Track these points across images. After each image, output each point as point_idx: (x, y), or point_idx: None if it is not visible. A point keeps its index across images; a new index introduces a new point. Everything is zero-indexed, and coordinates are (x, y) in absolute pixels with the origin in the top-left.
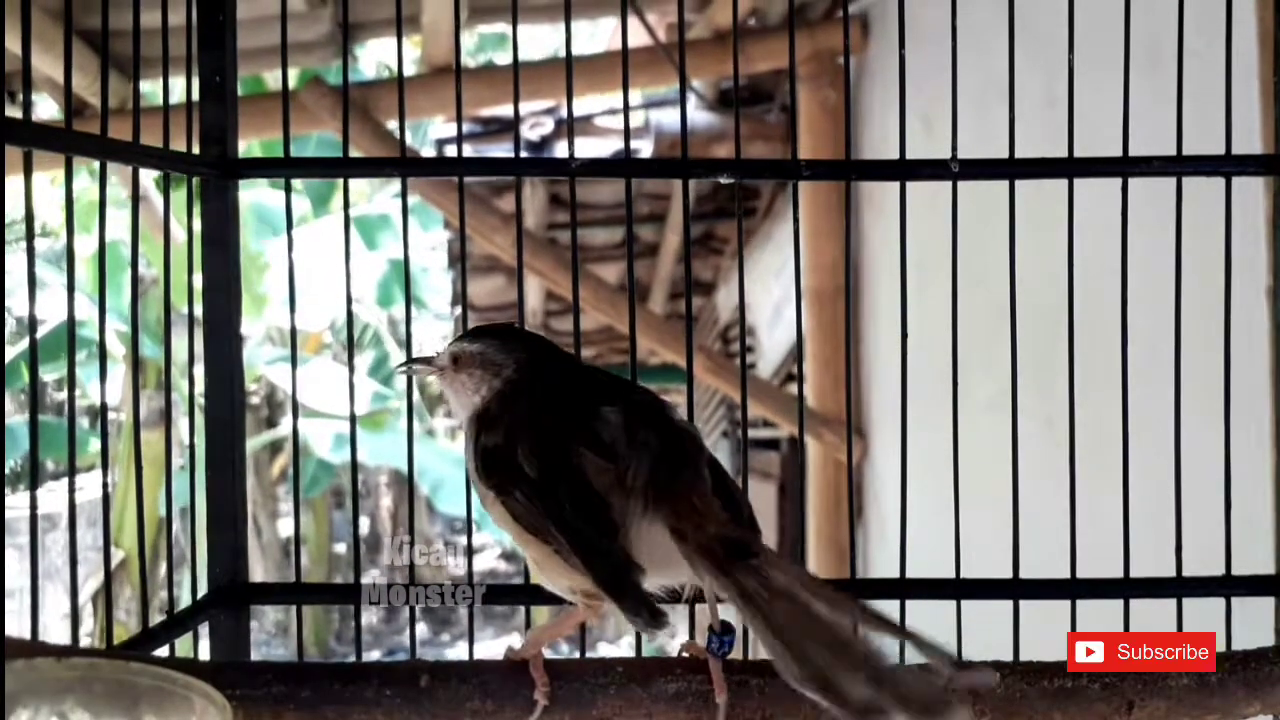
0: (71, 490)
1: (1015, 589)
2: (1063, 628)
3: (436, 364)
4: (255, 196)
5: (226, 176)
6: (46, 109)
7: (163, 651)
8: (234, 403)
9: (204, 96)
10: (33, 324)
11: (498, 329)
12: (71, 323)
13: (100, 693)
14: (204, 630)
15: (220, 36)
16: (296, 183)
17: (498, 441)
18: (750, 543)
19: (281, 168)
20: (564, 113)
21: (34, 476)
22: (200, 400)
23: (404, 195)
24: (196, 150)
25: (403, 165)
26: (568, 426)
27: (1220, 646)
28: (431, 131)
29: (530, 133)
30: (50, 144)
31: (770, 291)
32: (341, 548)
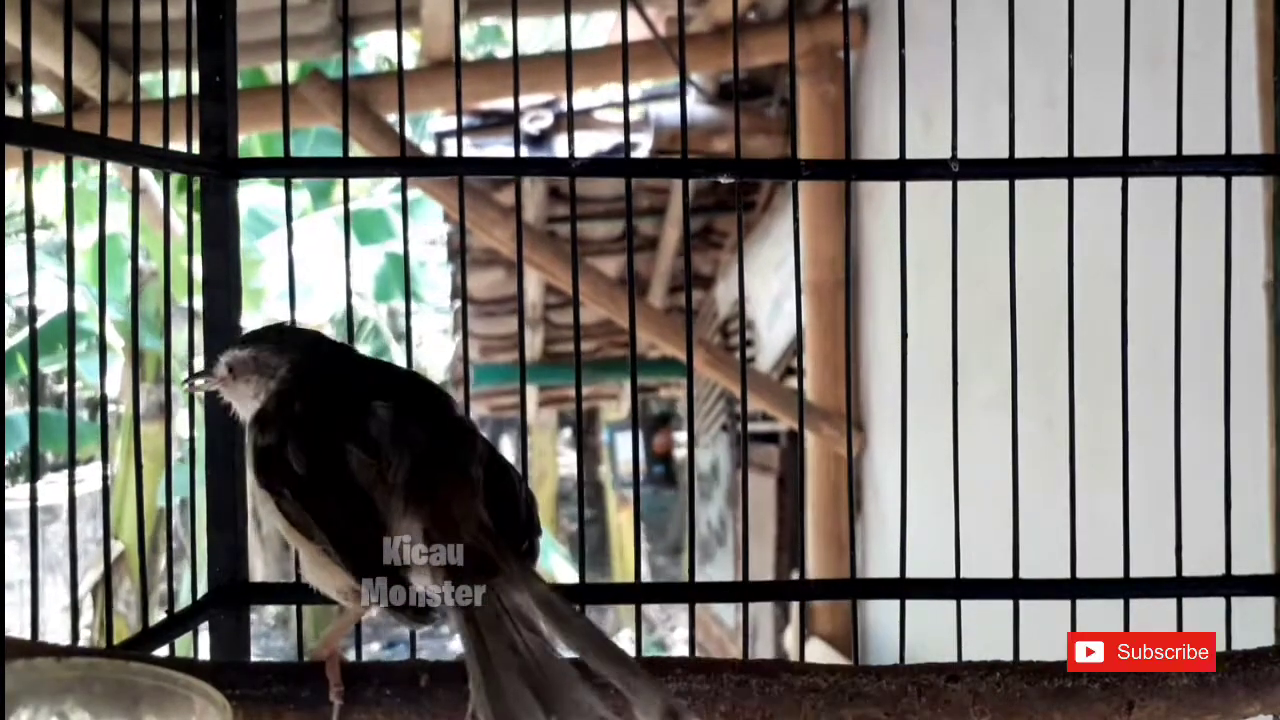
0: (71, 482)
1: (1015, 589)
2: (1063, 628)
3: (215, 375)
4: (252, 194)
5: (226, 176)
6: (46, 101)
7: (163, 651)
8: None
9: (204, 95)
10: (33, 316)
11: (270, 330)
12: (71, 315)
13: (100, 693)
14: (204, 630)
15: (220, 35)
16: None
17: (270, 441)
18: (494, 557)
19: (282, 167)
20: (563, 106)
21: (34, 469)
22: (199, 395)
23: (404, 194)
24: (196, 150)
25: (403, 165)
26: (337, 423)
27: (1220, 646)
28: (431, 124)
29: (530, 126)
30: (50, 144)
31: (770, 285)
32: None
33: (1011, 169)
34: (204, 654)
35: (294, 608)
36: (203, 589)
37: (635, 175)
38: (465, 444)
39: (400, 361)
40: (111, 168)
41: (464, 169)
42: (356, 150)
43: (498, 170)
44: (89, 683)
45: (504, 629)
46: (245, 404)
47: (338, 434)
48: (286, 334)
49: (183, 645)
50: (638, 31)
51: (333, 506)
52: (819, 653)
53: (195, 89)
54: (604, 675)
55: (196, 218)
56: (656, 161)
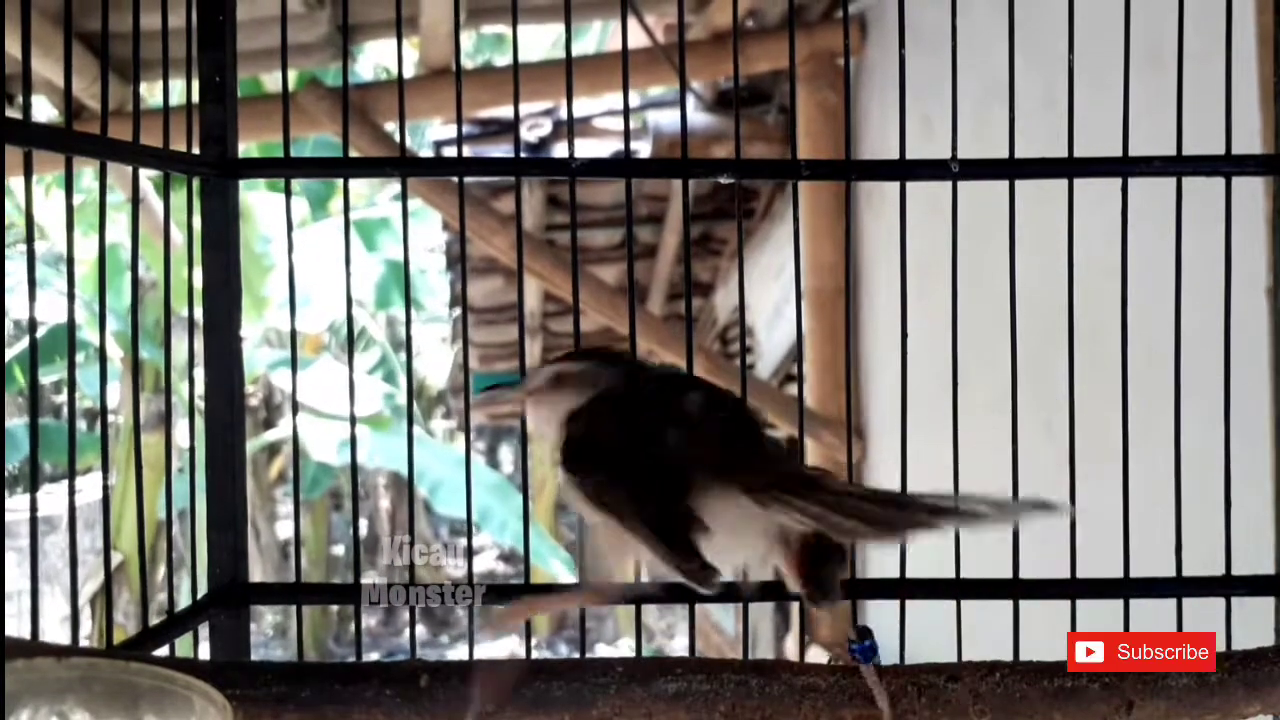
0: (71, 493)
1: (1015, 589)
2: (1063, 628)
3: (528, 388)
4: (256, 199)
5: (226, 177)
6: (43, 113)
7: (163, 651)
8: (234, 404)
9: (204, 97)
10: (33, 327)
11: (596, 351)
12: (71, 325)
13: (100, 693)
14: (204, 630)
15: (220, 37)
16: (295, 185)
17: (581, 431)
18: (812, 474)
19: (281, 168)
20: (562, 114)
21: (34, 479)
22: (200, 403)
23: (404, 195)
24: (196, 150)
25: (402, 165)
26: (653, 409)
27: (1220, 646)
28: (430, 133)
29: (529, 134)
30: (50, 144)
31: (769, 292)
32: (339, 550)
33: (1011, 169)
34: (204, 655)
35: (292, 617)
36: (202, 593)
37: (635, 175)
38: (758, 424)
39: (400, 368)
40: (111, 176)
41: (464, 170)
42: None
43: (497, 171)
44: (89, 683)
45: (848, 499)
46: (557, 411)
47: (651, 415)
48: (613, 354)
49: (183, 646)
50: (637, 39)
51: (644, 485)
52: (820, 658)
53: (195, 90)
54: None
55: (197, 220)
56: (656, 162)
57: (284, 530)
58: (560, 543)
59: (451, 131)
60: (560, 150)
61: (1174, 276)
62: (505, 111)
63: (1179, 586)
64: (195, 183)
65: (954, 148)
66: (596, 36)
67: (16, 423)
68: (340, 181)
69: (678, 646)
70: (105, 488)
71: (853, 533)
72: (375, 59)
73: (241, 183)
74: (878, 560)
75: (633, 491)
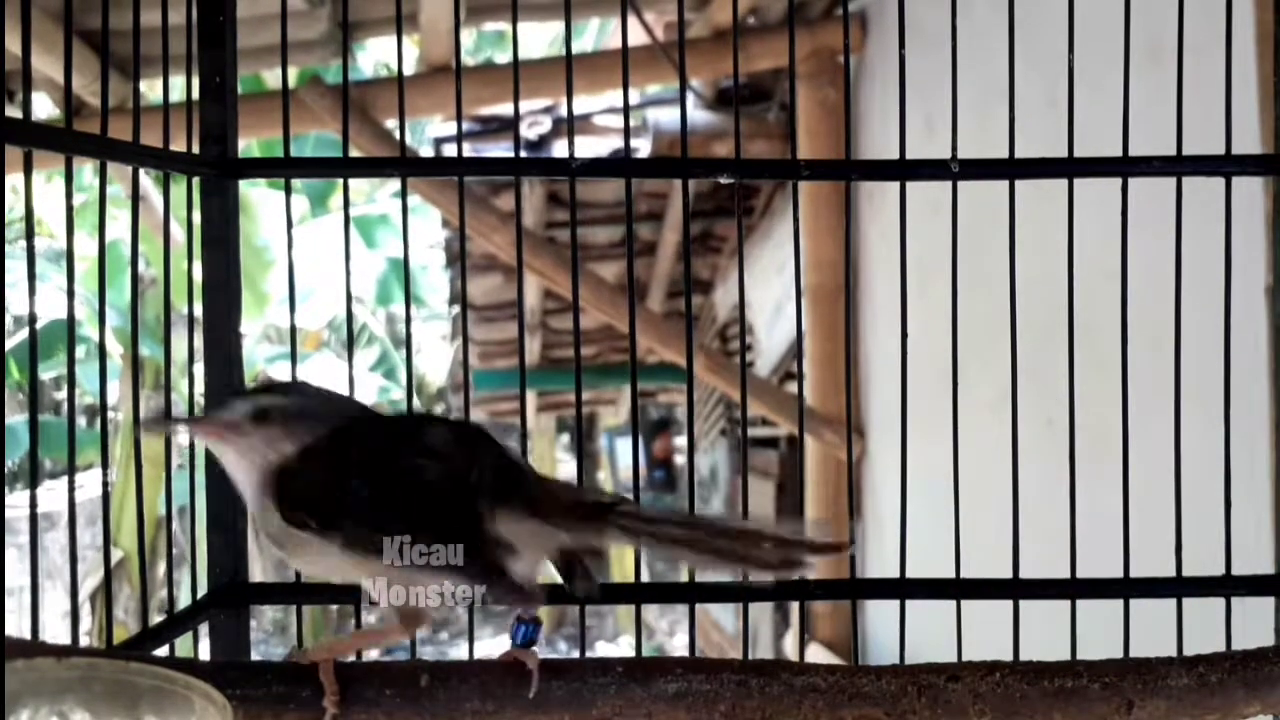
0: (71, 489)
1: (1015, 589)
2: (1063, 628)
3: (219, 421)
4: (258, 194)
5: (226, 176)
6: (43, 109)
7: (163, 651)
8: None
9: (204, 96)
10: (33, 322)
11: (297, 385)
12: (71, 322)
13: (100, 693)
14: (204, 630)
15: (220, 36)
16: (295, 182)
17: (316, 479)
18: (608, 500)
19: (281, 168)
20: (562, 111)
21: (34, 475)
22: (199, 399)
23: (404, 195)
24: (196, 150)
25: (403, 165)
26: (396, 445)
27: (1220, 646)
28: (430, 130)
29: (528, 132)
30: (50, 144)
31: (769, 290)
32: None
33: (1011, 169)
34: (204, 655)
35: (292, 615)
36: (202, 593)
37: (635, 175)
38: (520, 460)
39: (400, 364)
40: (111, 172)
41: (463, 169)
42: (356, 155)
43: (498, 171)
44: (89, 682)
45: (659, 526)
46: (258, 457)
47: (397, 452)
48: (323, 391)
49: (183, 646)
50: (637, 37)
51: (416, 517)
52: (819, 657)
53: (195, 88)
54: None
55: (197, 214)
56: (656, 161)
57: None
58: None
59: (452, 128)
60: (560, 147)
61: (1174, 276)
62: (505, 109)
63: (1179, 586)
64: (195, 182)
65: (954, 148)
66: (596, 34)
67: (16, 419)
68: (340, 180)
69: (678, 644)
70: (105, 484)
71: (672, 552)
72: (376, 56)
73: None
74: (878, 560)
75: (414, 529)
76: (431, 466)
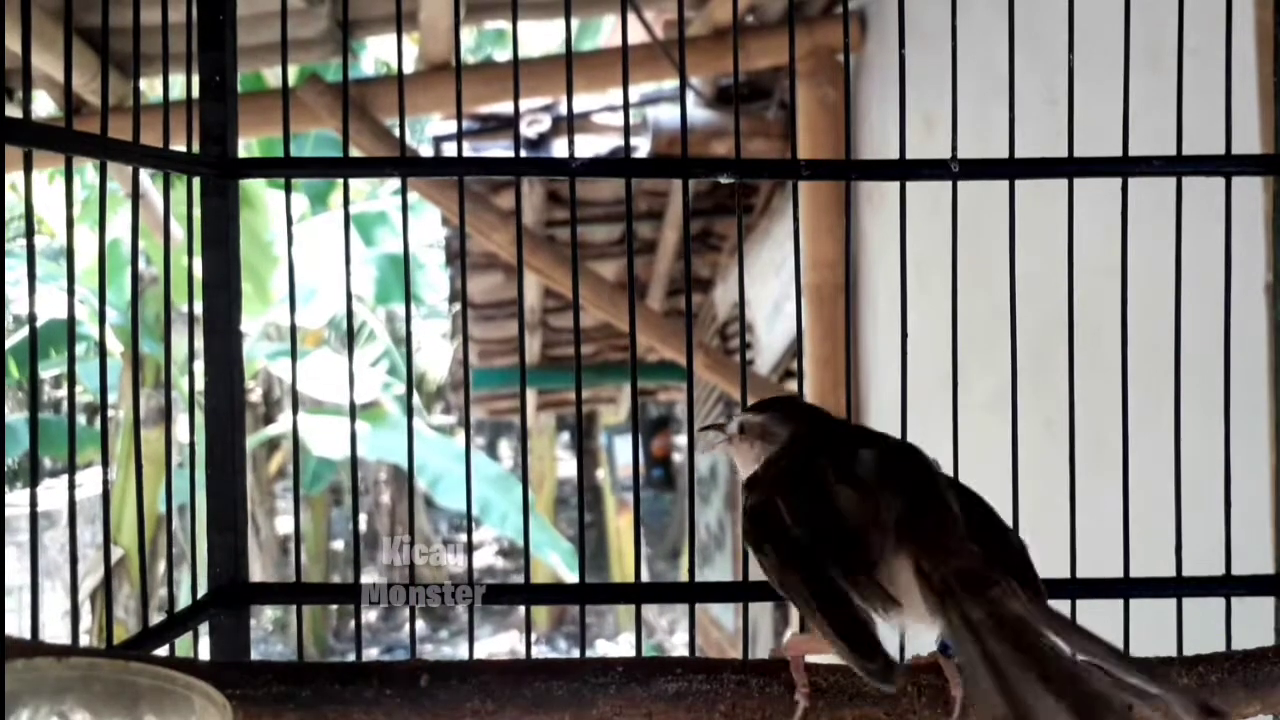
0: (71, 487)
1: None
2: None
3: (727, 432)
4: (264, 189)
5: (226, 176)
6: (43, 107)
7: (163, 651)
8: (234, 400)
9: (204, 96)
10: (33, 321)
11: (781, 402)
12: (71, 320)
13: (100, 693)
14: (204, 630)
15: (220, 36)
16: (295, 181)
17: (759, 499)
18: (988, 576)
19: (281, 168)
20: (562, 109)
21: (34, 474)
22: (200, 398)
23: (404, 195)
24: (196, 150)
25: (403, 165)
26: (824, 469)
27: (1220, 646)
28: (429, 128)
29: (528, 130)
30: (50, 144)
31: (769, 288)
32: (339, 545)
33: (1011, 169)
34: (204, 655)
35: (292, 613)
36: (203, 591)
37: (635, 175)
38: (945, 485)
39: (400, 362)
40: (111, 171)
41: (463, 169)
42: (355, 154)
43: (497, 170)
44: (89, 682)
45: (1002, 635)
46: (745, 463)
47: (824, 478)
48: (795, 407)
49: (183, 646)
50: (636, 35)
51: (817, 554)
52: (819, 657)
53: (195, 89)
54: (1125, 678)
55: (197, 212)
56: (656, 161)
57: (283, 525)
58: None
59: (452, 127)
60: (560, 145)
61: (1174, 276)
62: (505, 107)
63: (1179, 586)
64: (195, 181)
65: (954, 147)
66: (609, 33)
67: (16, 417)
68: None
69: (678, 642)
70: (105, 483)
71: (974, 681)
72: (375, 54)
73: None
74: None
75: (805, 575)
76: (845, 493)
